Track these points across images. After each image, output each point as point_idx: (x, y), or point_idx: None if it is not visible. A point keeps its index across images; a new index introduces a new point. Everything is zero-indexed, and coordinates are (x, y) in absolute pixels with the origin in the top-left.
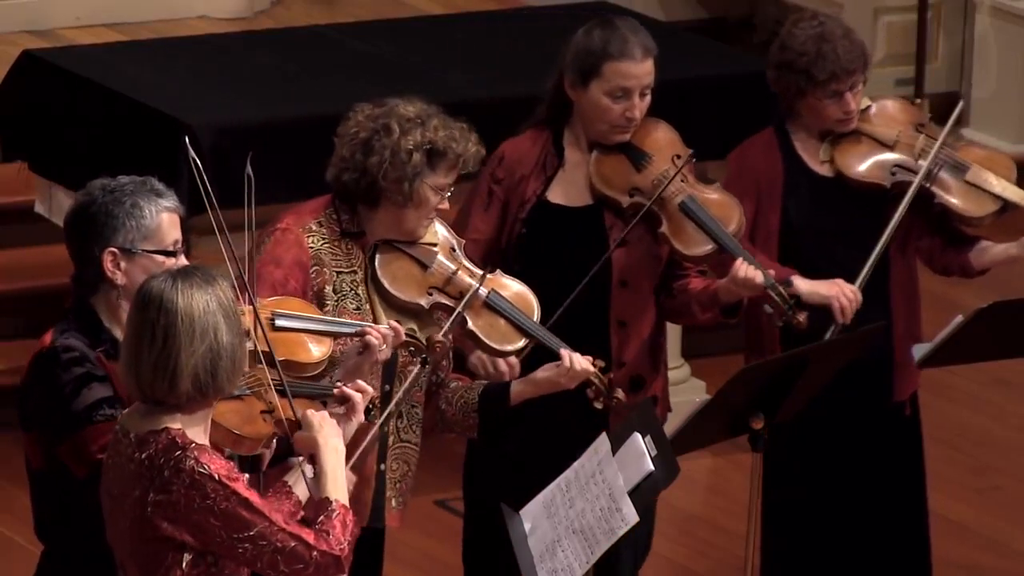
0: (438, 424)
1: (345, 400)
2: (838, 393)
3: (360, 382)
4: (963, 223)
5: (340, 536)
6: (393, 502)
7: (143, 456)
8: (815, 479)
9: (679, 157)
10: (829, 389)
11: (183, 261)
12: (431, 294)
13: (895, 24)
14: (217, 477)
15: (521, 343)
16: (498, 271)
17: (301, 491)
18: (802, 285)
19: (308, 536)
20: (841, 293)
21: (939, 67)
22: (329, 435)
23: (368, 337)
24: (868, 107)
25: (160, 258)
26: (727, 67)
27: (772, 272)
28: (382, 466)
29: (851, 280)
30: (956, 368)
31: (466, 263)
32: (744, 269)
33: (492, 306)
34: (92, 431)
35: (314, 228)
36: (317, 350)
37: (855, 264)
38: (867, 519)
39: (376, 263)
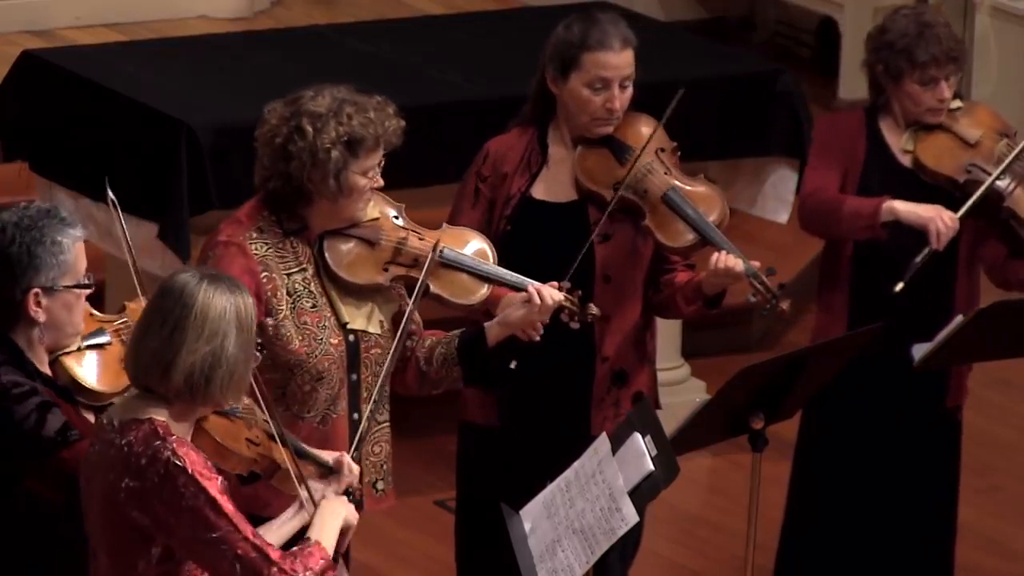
0: (421, 386)
1: (336, 470)
2: (892, 396)
3: (349, 459)
4: None
5: (309, 565)
6: (380, 484)
7: (123, 442)
8: (853, 484)
9: (663, 150)
10: (883, 392)
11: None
12: (387, 269)
13: None
14: (190, 471)
15: (485, 290)
16: (444, 225)
17: (275, 538)
18: (899, 205)
19: (273, 553)
20: (939, 217)
21: None
22: (336, 501)
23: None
24: (958, 107)
25: (78, 292)
26: (727, 67)
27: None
28: (355, 454)
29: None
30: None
31: (412, 228)
32: (723, 259)
33: (448, 263)
34: (72, 451)
35: (255, 235)
36: None
37: (917, 252)
38: (897, 521)
39: (326, 255)
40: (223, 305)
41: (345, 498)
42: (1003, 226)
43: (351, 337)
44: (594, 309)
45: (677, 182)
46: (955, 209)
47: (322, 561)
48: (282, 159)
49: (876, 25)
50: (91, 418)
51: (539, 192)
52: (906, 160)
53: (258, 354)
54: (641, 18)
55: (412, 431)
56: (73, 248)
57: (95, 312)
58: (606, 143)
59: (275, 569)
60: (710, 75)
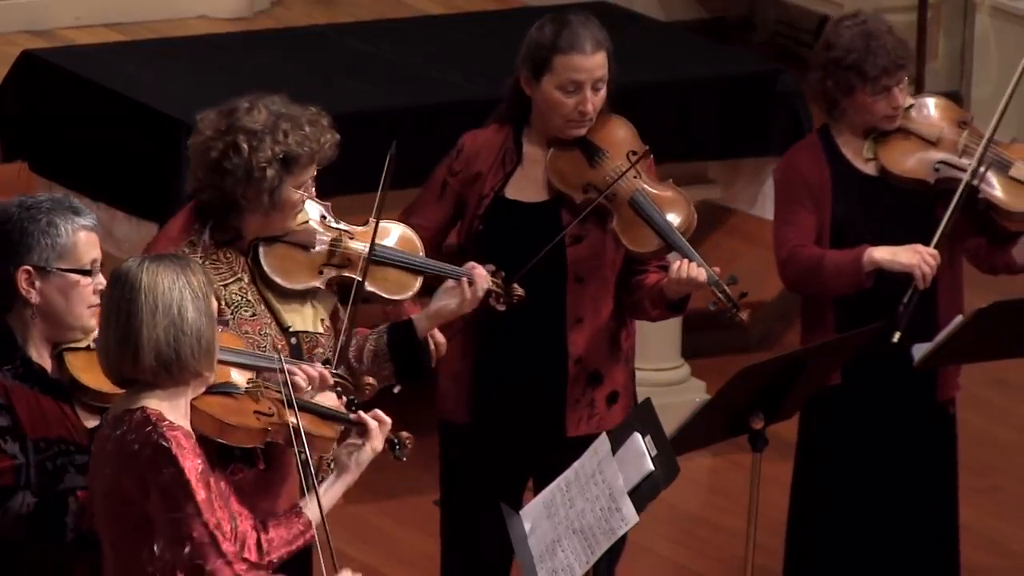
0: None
1: (361, 425)
2: (883, 394)
3: (378, 411)
4: (1007, 219)
5: (275, 547)
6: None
7: (117, 433)
8: (853, 483)
9: (634, 153)
10: (873, 391)
11: (100, 280)
12: (322, 272)
13: (895, 24)
14: (173, 452)
15: (418, 284)
16: (370, 220)
17: (312, 512)
18: (879, 255)
19: (226, 547)
20: (922, 261)
21: (939, 67)
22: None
23: (296, 378)
24: (911, 105)
25: (75, 277)
26: (727, 67)
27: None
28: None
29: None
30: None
31: (342, 228)
32: (685, 267)
33: (379, 260)
34: None
35: (187, 251)
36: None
37: None
38: (901, 520)
39: (262, 262)
40: (170, 278)
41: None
42: (980, 216)
43: (293, 340)
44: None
45: (645, 186)
46: (939, 205)
47: (294, 544)
48: (216, 173)
49: (820, 40)
50: (92, 422)
51: (512, 192)
52: (870, 169)
53: (227, 320)
54: (641, 18)
55: (411, 432)
56: (73, 234)
57: None
58: (579, 145)
59: (220, 562)
60: (710, 75)
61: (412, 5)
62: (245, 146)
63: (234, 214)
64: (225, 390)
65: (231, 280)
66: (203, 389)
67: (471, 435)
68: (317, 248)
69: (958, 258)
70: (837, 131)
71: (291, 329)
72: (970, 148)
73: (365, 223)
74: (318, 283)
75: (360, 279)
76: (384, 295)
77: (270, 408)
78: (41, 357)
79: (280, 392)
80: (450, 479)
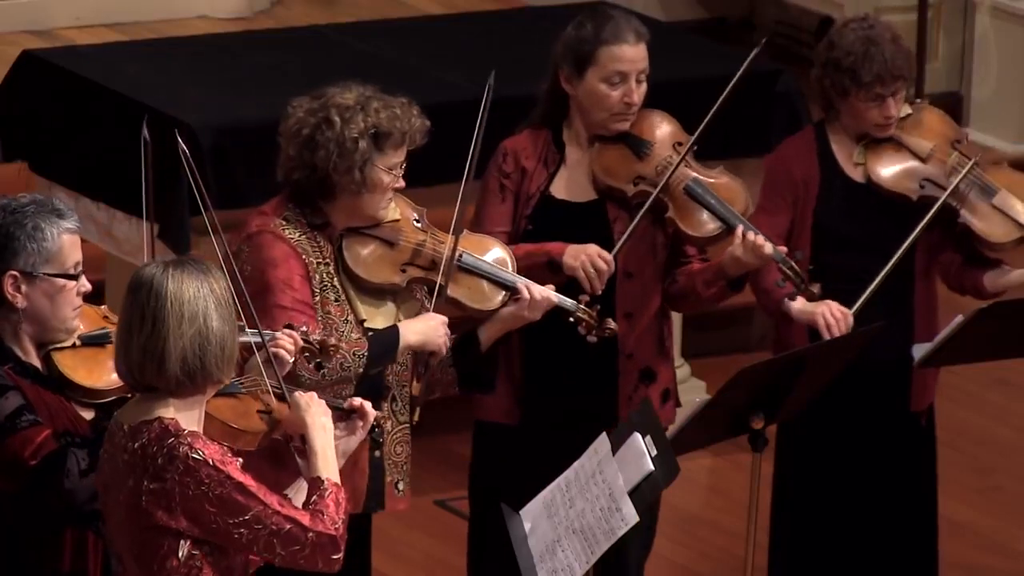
0: (420, 389)
1: (357, 412)
2: (856, 400)
3: (365, 402)
4: (984, 246)
5: (334, 515)
6: (400, 485)
7: (136, 445)
8: (828, 485)
9: (680, 144)
10: (847, 396)
11: (84, 283)
12: (404, 271)
13: (895, 24)
14: (211, 462)
15: (502, 297)
16: (465, 231)
17: (300, 501)
18: (797, 307)
19: (303, 518)
20: (828, 312)
21: (939, 67)
22: (317, 414)
23: (281, 351)
24: (908, 115)
25: (61, 281)
26: (727, 67)
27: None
28: (377, 453)
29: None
30: (956, 368)
31: (432, 231)
32: (751, 236)
33: (467, 268)
34: (19, 438)
35: (284, 223)
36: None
37: (874, 271)
38: (877, 527)
39: (344, 253)
40: (195, 286)
41: (318, 404)
42: (958, 236)
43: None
44: (611, 324)
45: (697, 173)
46: (914, 221)
47: (342, 500)
48: (308, 149)
49: (825, 39)
50: (88, 415)
51: (559, 191)
52: (858, 174)
53: (240, 324)
54: (641, 18)
55: (412, 431)
56: (58, 238)
57: (109, 315)
58: (623, 139)
59: (311, 535)
60: (710, 75)
61: (412, 5)
62: (338, 119)
63: (325, 197)
64: (229, 391)
65: (321, 263)
66: (214, 392)
67: (521, 436)
68: (401, 246)
69: (933, 272)
70: (832, 130)
71: (365, 323)
72: (958, 169)
73: (459, 232)
74: (399, 280)
75: (442, 283)
76: (467, 302)
77: (268, 405)
78: (29, 357)
79: (273, 386)
80: (490, 481)
